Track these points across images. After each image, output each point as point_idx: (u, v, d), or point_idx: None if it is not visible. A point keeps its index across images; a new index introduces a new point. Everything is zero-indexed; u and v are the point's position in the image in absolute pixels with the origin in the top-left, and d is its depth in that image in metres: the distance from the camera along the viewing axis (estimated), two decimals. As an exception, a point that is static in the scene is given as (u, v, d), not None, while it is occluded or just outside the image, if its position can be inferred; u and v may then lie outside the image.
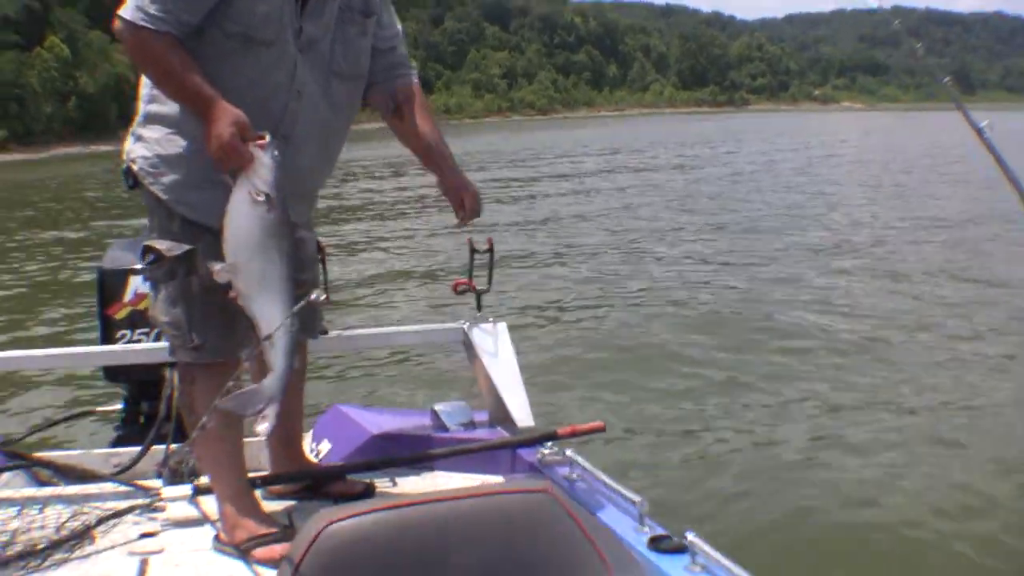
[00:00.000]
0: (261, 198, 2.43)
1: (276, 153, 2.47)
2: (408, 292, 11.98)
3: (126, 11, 2.55)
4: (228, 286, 2.49)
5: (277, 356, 2.45)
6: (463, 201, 2.97)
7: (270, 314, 2.45)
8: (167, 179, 2.70)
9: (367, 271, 13.66)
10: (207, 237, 2.64)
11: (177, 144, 2.70)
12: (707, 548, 2.19)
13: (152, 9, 2.52)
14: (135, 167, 2.75)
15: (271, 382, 2.47)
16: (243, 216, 2.44)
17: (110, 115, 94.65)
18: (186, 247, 2.66)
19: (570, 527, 1.85)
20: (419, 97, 3.07)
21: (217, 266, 2.45)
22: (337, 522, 1.75)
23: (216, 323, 2.70)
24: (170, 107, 2.70)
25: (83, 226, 20.90)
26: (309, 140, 2.78)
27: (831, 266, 12.67)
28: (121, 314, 3.85)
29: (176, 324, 2.73)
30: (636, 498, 2.58)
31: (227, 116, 2.48)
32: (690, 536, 2.24)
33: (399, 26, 3.09)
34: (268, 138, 2.47)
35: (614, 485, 2.75)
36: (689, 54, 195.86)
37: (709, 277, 12.36)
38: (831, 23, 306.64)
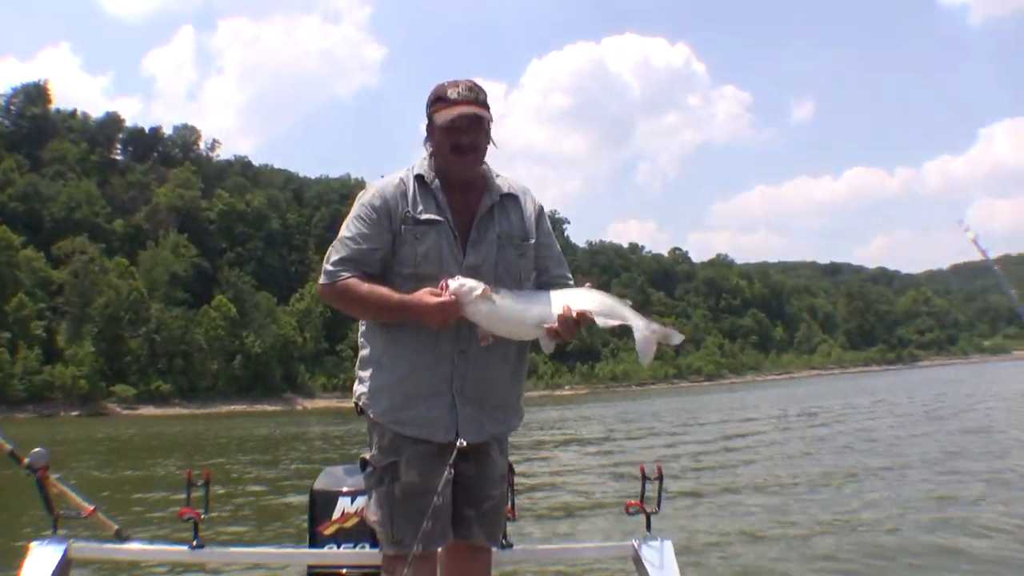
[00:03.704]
0: (485, 292, 3.25)
1: (451, 278, 3.27)
2: (585, 512, 12.67)
3: (321, 280, 3.48)
4: (423, 485, 3.32)
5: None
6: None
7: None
8: (380, 406, 3.43)
9: (550, 493, 14.65)
10: (410, 449, 3.38)
11: (380, 379, 3.46)
12: None
13: (336, 267, 3.40)
14: (359, 402, 3.51)
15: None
16: (488, 309, 3.27)
17: (275, 375, 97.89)
18: (392, 459, 3.40)
19: None
20: None
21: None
22: None
23: (413, 522, 3.27)
24: (370, 351, 3.52)
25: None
26: (489, 349, 3.40)
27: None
28: (330, 530, 4.19)
29: (382, 522, 3.40)
30: None
31: (419, 300, 3.28)
32: None
33: (557, 247, 3.72)
34: (443, 282, 3.26)
35: None
36: (856, 313, 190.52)
37: (854, 505, 12.91)
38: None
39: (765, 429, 30.13)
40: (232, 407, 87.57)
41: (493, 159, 3.60)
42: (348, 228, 3.45)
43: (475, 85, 3.44)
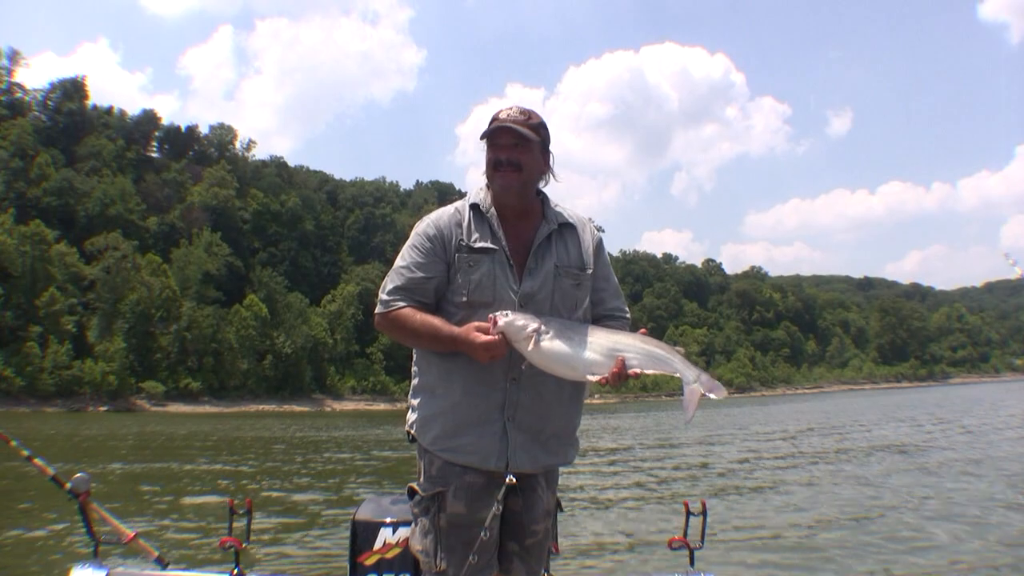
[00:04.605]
0: (535, 332, 3.19)
1: (498, 313, 3.24)
2: (627, 545, 12.02)
3: (377, 310, 3.50)
4: (469, 517, 3.33)
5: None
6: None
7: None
8: (431, 434, 3.44)
9: (590, 526, 13.63)
10: (458, 480, 3.39)
11: (433, 407, 3.46)
12: None
13: (391, 296, 3.44)
14: (411, 430, 3.53)
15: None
16: (536, 349, 3.18)
17: (304, 376, 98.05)
18: (439, 489, 3.41)
19: None
20: None
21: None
22: None
23: (457, 553, 3.30)
24: (424, 379, 3.53)
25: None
26: (543, 377, 3.36)
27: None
28: (370, 561, 4.19)
29: (426, 551, 3.41)
30: None
31: (467, 334, 3.26)
32: None
33: (614, 279, 3.71)
34: (491, 316, 3.24)
35: None
36: (889, 328, 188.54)
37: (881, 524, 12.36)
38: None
39: (807, 447, 28.51)
40: (261, 407, 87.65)
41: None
42: (403, 257, 3.51)
43: (527, 110, 3.51)
